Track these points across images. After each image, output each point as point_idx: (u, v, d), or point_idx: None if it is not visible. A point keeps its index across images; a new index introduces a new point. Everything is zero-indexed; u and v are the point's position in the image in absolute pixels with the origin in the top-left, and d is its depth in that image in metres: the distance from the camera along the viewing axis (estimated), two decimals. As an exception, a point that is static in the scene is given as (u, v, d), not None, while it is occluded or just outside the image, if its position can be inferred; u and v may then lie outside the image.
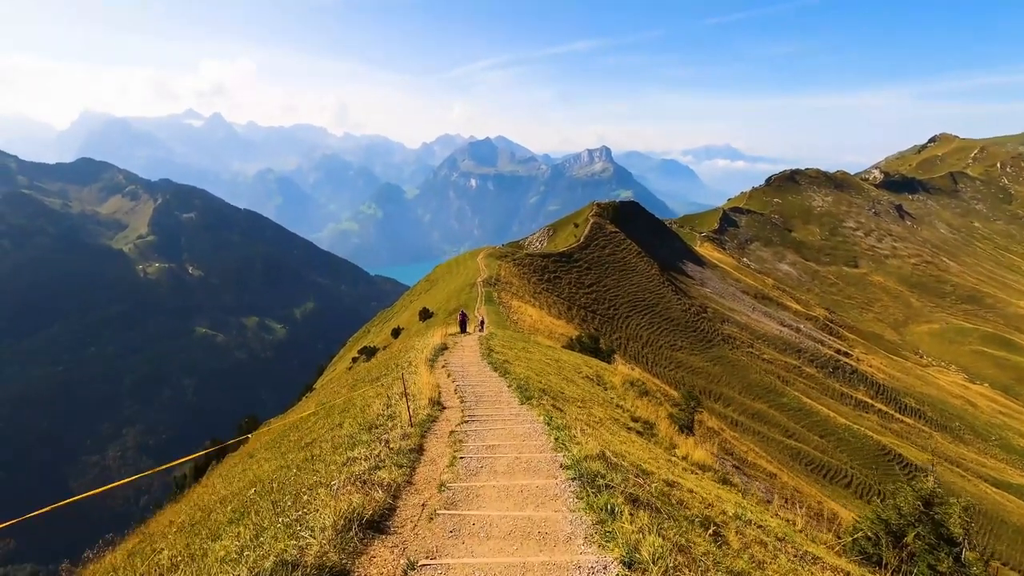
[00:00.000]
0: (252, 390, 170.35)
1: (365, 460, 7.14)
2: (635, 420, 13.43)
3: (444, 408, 10.99)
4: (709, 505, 7.16)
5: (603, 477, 6.06)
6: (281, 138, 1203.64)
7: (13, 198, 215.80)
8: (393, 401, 11.20)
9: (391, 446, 7.77)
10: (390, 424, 9.26)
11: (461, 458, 7.51)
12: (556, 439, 8.20)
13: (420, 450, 7.96)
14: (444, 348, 21.16)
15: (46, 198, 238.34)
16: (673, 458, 10.91)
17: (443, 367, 16.46)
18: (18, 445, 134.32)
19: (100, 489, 9.36)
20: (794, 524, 8.83)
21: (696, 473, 10.37)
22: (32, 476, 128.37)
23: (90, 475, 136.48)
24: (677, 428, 13.55)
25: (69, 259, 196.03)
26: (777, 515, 9.32)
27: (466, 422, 9.71)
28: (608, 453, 7.05)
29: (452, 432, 8.97)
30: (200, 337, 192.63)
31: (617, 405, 14.71)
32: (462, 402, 11.65)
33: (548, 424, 9.11)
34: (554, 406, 11.32)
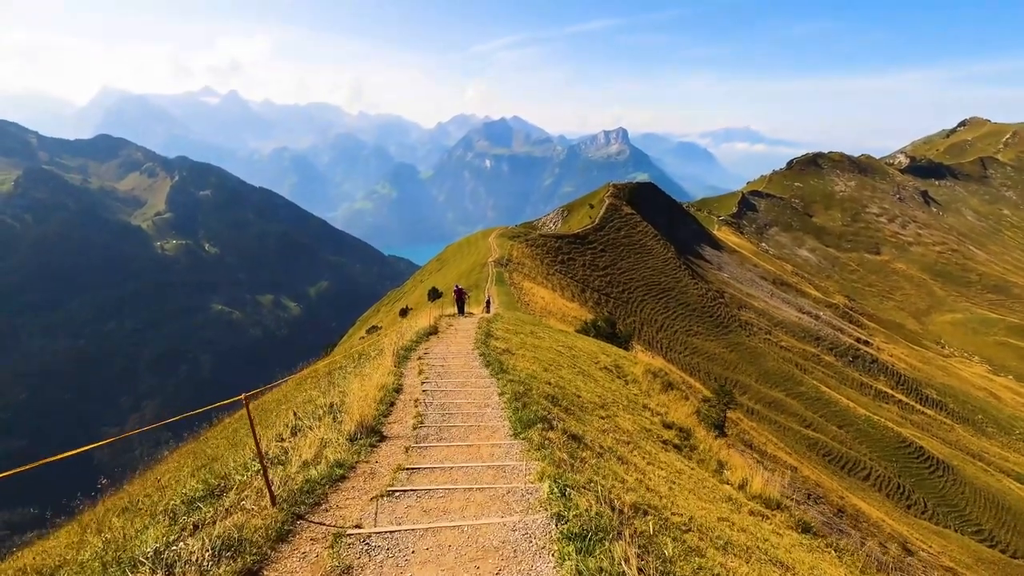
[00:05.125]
0: (267, 367, 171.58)
1: None
2: (668, 427, 11.23)
3: (383, 439, 7.01)
4: None
5: None
6: (296, 116, 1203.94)
7: (34, 173, 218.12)
8: (309, 420, 7.62)
9: None
10: (250, 488, 5.43)
11: None
12: None
13: None
14: (432, 333, 17.45)
15: (66, 174, 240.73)
16: (728, 487, 8.86)
17: (418, 360, 12.59)
18: (41, 416, 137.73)
19: (89, 447, 8.72)
20: None
21: (767, 516, 8.11)
22: (55, 447, 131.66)
23: (111, 447, 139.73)
24: (711, 431, 12.29)
25: (89, 234, 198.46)
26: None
27: (393, 493, 5.42)
28: None
29: (339, 537, 4.61)
30: (216, 314, 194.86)
31: (644, 406, 12.49)
32: (417, 427, 7.51)
33: (559, 517, 4.75)
34: (570, 437, 7.37)
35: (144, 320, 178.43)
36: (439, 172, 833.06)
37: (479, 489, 5.56)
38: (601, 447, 7.75)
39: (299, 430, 7.39)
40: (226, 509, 5.10)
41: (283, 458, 6.34)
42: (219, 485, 5.78)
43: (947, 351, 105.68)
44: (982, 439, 67.84)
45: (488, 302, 32.85)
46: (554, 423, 7.72)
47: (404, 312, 48.33)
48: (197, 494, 5.58)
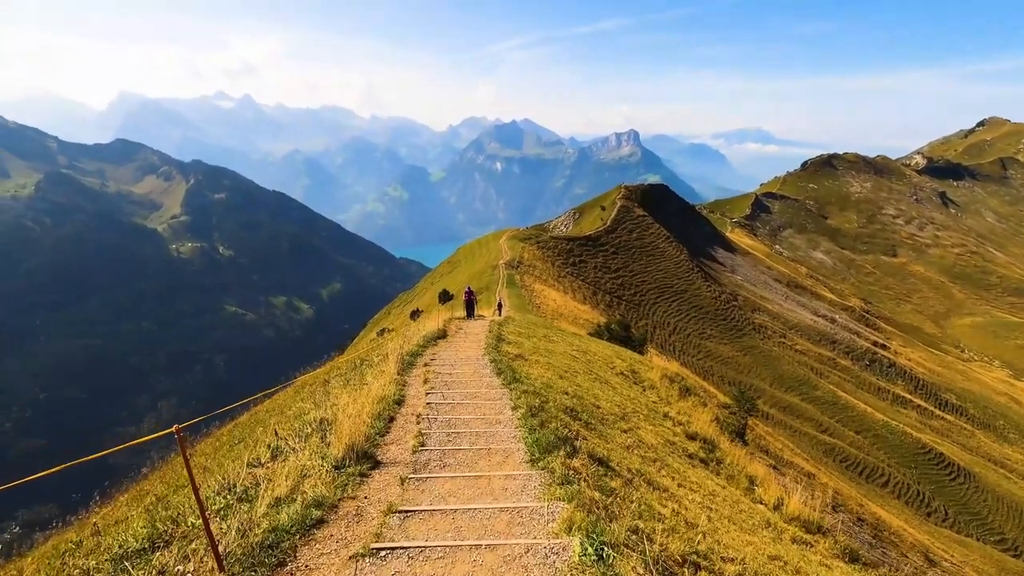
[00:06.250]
0: (281, 368, 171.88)
1: None
2: (691, 438, 10.72)
3: (376, 466, 6.10)
4: None
5: None
6: (309, 119, 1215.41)
7: (53, 177, 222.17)
8: (293, 440, 6.75)
9: None
10: (202, 539, 4.38)
11: None
12: None
13: None
14: (441, 336, 16.65)
15: (84, 178, 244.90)
16: (763, 508, 8.25)
17: (424, 366, 11.82)
18: (59, 415, 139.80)
19: (101, 453, 8.48)
20: None
21: (810, 544, 7.47)
22: (72, 445, 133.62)
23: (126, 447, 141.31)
24: (734, 440, 11.91)
25: (106, 237, 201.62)
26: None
27: (379, 552, 4.35)
28: None
29: None
30: (230, 315, 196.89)
31: (664, 415, 11.95)
32: (417, 451, 6.59)
33: None
34: (596, 461, 6.53)
35: (159, 321, 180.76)
36: (450, 174, 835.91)
37: (489, 547, 4.38)
38: (629, 470, 7.01)
39: (280, 452, 6.43)
40: (158, 573, 3.98)
41: (252, 492, 5.25)
42: (166, 531, 4.69)
43: (967, 355, 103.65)
44: (1004, 445, 66.33)
45: (499, 304, 32.62)
46: (577, 445, 6.79)
47: (415, 314, 48.28)
48: (131, 547, 4.48)
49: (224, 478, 5.75)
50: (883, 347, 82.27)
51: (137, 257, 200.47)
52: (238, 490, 5.37)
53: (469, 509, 5.07)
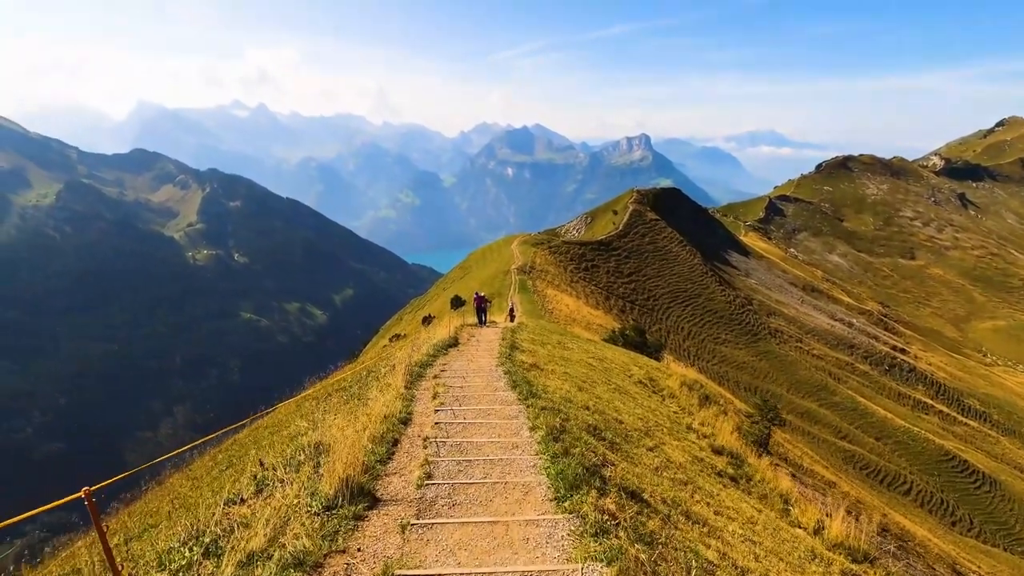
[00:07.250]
0: (294, 372, 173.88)
1: None
2: (717, 452, 10.27)
3: (374, 504, 5.32)
4: None
5: None
6: (322, 126, 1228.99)
7: (74, 186, 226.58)
8: (283, 469, 6.06)
9: None
10: None
11: None
12: None
13: None
14: (452, 345, 15.93)
15: (104, 187, 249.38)
16: (802, 532, 7.77)
17: (434, 378, 11.11)
18: (77, 419, 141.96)
19: (129, 472, 8.44)
20: None
21: None
22: (91, 449, 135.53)
23: (145, 450, 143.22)
24: (760, 452, 11.60)
25: (124, 244, 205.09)
26: None
27: None
28: None
29: None
30: (245, 321, 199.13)
31: (688, 427, 11.44)
32: (422, 484, 5.75)
33: None
34: (628, 495, 5.85)
35: (175, 327, 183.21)
36: (462, 179, 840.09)
37: None
38: (663, 500, 6.32)
39: (266, 485, 5.63)
40: None
41: (223, 544, 4.41)
42: None
43: (989, 359, 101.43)
44: (1030, 452, 64.66)
45: (511, 310, 32.41)
46: (606, 475, 6.05)
47: (427, 320, 48.30)
48: None
49: (193, 523, 4.97)
50: (902, 351, 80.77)
51: (154, 264, 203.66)
52: (207, 540, 4.57)
53: (487, 547, 4.26)
